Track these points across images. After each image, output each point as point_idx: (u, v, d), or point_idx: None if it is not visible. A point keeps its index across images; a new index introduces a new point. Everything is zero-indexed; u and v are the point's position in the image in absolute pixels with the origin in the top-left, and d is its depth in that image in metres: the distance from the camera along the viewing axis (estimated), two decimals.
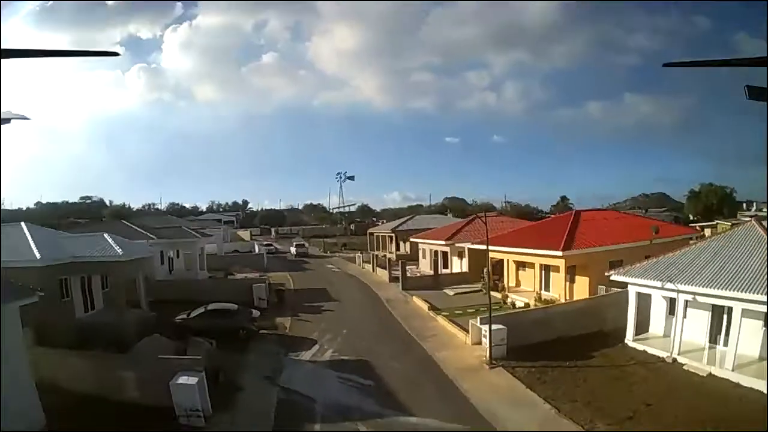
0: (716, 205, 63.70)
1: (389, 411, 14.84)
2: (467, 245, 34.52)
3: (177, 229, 40.38)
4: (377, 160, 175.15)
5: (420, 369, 18.52)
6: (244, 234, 71.57)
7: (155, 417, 14.00)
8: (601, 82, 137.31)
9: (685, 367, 16.35)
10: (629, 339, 19.10)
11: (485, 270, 32.55)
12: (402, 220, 56.09)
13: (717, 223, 52.34)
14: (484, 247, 31.53)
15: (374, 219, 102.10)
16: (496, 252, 30.53)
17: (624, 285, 20.35)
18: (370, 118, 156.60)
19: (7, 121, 4.91)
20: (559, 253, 25.56)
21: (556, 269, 27.12)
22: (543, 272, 28.36)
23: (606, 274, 20.63)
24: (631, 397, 14.37)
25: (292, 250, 59.18)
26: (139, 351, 18.84)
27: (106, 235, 23.91)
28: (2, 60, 3.76)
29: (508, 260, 30.77)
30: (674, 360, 16.93)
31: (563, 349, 18.51)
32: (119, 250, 22.09)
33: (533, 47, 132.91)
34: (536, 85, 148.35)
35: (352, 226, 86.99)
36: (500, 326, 18.73)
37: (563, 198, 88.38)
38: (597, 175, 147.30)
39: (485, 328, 19.05)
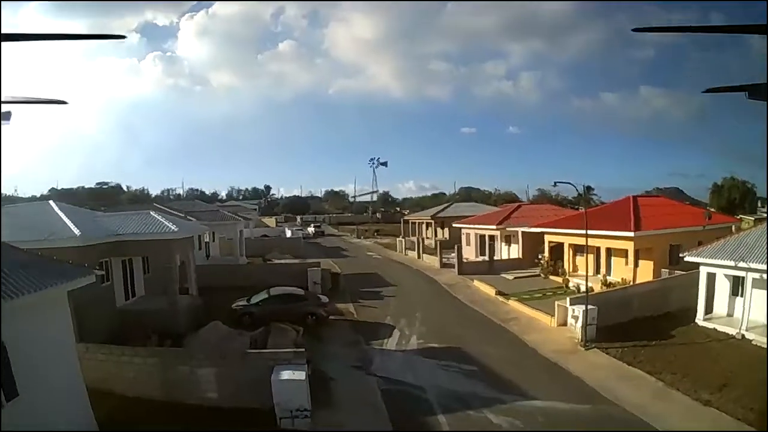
0: (738, 200, 60.83)
1: (508, 396, 13.25)
2: (521, 229, 32.22)
3: (214, 212, 37.30)
4: (393, 149, 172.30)
5: (517, 353, 17.02)
6: (269, 221, 68.28)
7: (244, 421, 11.42)
8: (616, 75, 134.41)
9: (753, 342, 16.39)
10: (699, 318, 18.54)
11: (541, 255, 30.53)
12: (441, 207, 53.06)
13: (741, 218, 50.07)
14: (540, 230, 29.97)
15: (398, 208, 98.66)
16: (554, 235, 29.25)
17: (688, 268, 20.25)
18: (386, 106, 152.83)
19: (7, 120, 4.39)
20: (631, 235, 24.25)
21: (619, 253, 26.10)
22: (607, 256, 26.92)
23: (681, 255, 20.05)
24: (719, 368, 14.30)
25: (310, 230, 63.38)
26: (202, 342, 15.81)
27: (153, 213, 20.59)
28: (3, 43, 3.52)
29: (567, 244, 28.78)
30: (743, 336, 16.80)
31: (641, 329, 17.81)
32: (173, 227, 18.83)
33: (550, 37, 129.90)
34: (552, 76, 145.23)
35: (378, 215, 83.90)
36: (592, 307, 17.69)
37: (588, 188, 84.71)
38: (610, 167, 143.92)
39: (575, 308, 18.22)
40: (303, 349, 12.09)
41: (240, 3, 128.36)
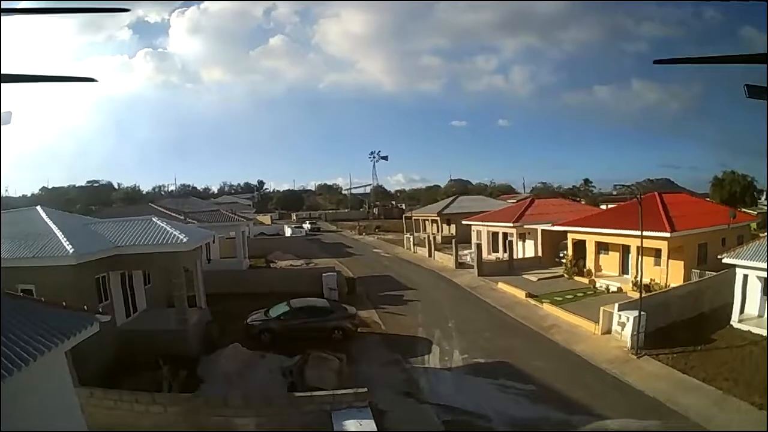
0: (739, 193, 60.61)
1: (578, 417, 11.97)
2: (542, 227, 29.92)
3: (215, 212, 34.11)
4: (382, 141, 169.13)
5: (570, 365, 15.48)
6: (264, 218, 64.87)
7: None
8: (608, 68, 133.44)
9: None
10: (734, 320, 17.98)
11: (563, 253, 28.73)
12: (446, 201, 50.32)
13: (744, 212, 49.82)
14: (562, 228, 28.00)
15: (393, 201, 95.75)
16: (578, 233, 27.33)
17: (715, 268, 20.35)
18: (377, 101, 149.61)
19: (8, 121, 4.63)
20: (666, 235, 22.70)
21: (647, 253, 23.81)
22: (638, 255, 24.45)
23: (719, 256, 19.18)
24: (762, 371, 13.33)
25: (306, 226, 59.42)
26: (221, 369, 13.43)
27: (155, 219, 17.75)
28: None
29: (590, 243, 26.94)
30: None
31: (682, 333, 16.92)
32: (182, 237, 16.02)
33: (542, 32, 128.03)
34: (544, 70, 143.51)
35: (376, 210, 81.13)
36: (642, 312, 16.42)
37: (586, 181, 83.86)
38: (601, 159, 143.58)
39: (622, 314, 17.00)
40: (365, 389, 9.77)
41: None
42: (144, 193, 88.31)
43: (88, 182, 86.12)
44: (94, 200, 63.01)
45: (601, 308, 18.31)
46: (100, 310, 8.19)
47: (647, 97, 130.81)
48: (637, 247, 23.96)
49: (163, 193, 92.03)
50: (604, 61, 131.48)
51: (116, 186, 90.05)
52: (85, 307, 7.73)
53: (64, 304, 7.27)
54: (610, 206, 44.47)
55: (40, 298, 7.12)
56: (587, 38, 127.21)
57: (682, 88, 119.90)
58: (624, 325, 16.79)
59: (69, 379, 7.57)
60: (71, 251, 13.40)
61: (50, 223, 15.56)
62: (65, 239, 14.12)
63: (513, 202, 46.94)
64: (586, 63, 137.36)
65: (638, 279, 23.69)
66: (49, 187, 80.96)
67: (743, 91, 3.62)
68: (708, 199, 55.35)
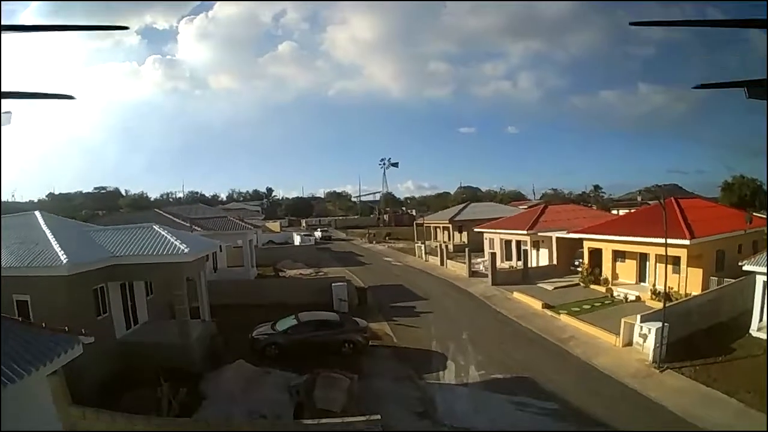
0: (749, 197, 58.77)
1: None
2: (556, 234, 28.88)
3: (222, 219, 33.35)
4: (392, 149, 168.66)
5: (591, 380, 14.72)
6: (273, 225, 64.22)
7: None
8: (615, 72, 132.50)
9: None
10: (753, 329, 17.39)
11: (578, 261, 27.70)
12: (458, 208, 49.05)
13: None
14: (578, 236, 26.93)
15: (403, 208, 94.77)
16: (593, 241, 26.37)
17: (734, 275, 19.77)
18: (386, 107, 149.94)
19: (8, 121, 4.36)
20: (686, 242, 21.71)
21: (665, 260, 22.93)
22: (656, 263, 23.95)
23: (740, 263, 18.37)
24: None
25: (317, 234, 58.16)
26: (225, 387, 12.62)
27: (156, 227, 17.03)
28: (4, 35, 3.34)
29: (606, 250, 25.98)
30: None
31: (703, 343, 16.35)
32: (183, 247, 15.16)
33: (549, 37, 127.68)
34: (551, 75, 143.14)
35: (386, 216, 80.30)
36: (666, 324, 15.81)
37: (596, 187, 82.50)
38: (609, 165, 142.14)
39: (643, 326, 16.32)
40: (378, 416, 8.90)
41: (239, 5, 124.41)
42: (152, 200, 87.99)
43: (95, 189, 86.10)
44: (101, 207, 62.78)
45: (623, 320, 17.51)
46: (84, 331, 7.32)
47: (653, 100, 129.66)
48: (658, 255, 23.24)
49: (171, 200, 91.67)
50: (610, 65, 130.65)
51: (124, 193, 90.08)
52: (66, 328, 6.88)
53: (44, 324, 6.46)
54: (622, 212, 43.34)
55: (18, 318, 6.34)
56: (592, 41, 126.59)
57: (687, 92, 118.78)
58: (646, 337, 16.15)
59: (51, 407, 6.78)
60: (64, 261, 12.64)
61: (46, 230, 14.89)
62: (60, 248, 13.39)
63: (525, 209, 45.89)
64: (591, 67, 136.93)
65: (657, 287, 23.00)
66: (56, 193, 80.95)
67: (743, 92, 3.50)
68: (719, 203, 54.04)
